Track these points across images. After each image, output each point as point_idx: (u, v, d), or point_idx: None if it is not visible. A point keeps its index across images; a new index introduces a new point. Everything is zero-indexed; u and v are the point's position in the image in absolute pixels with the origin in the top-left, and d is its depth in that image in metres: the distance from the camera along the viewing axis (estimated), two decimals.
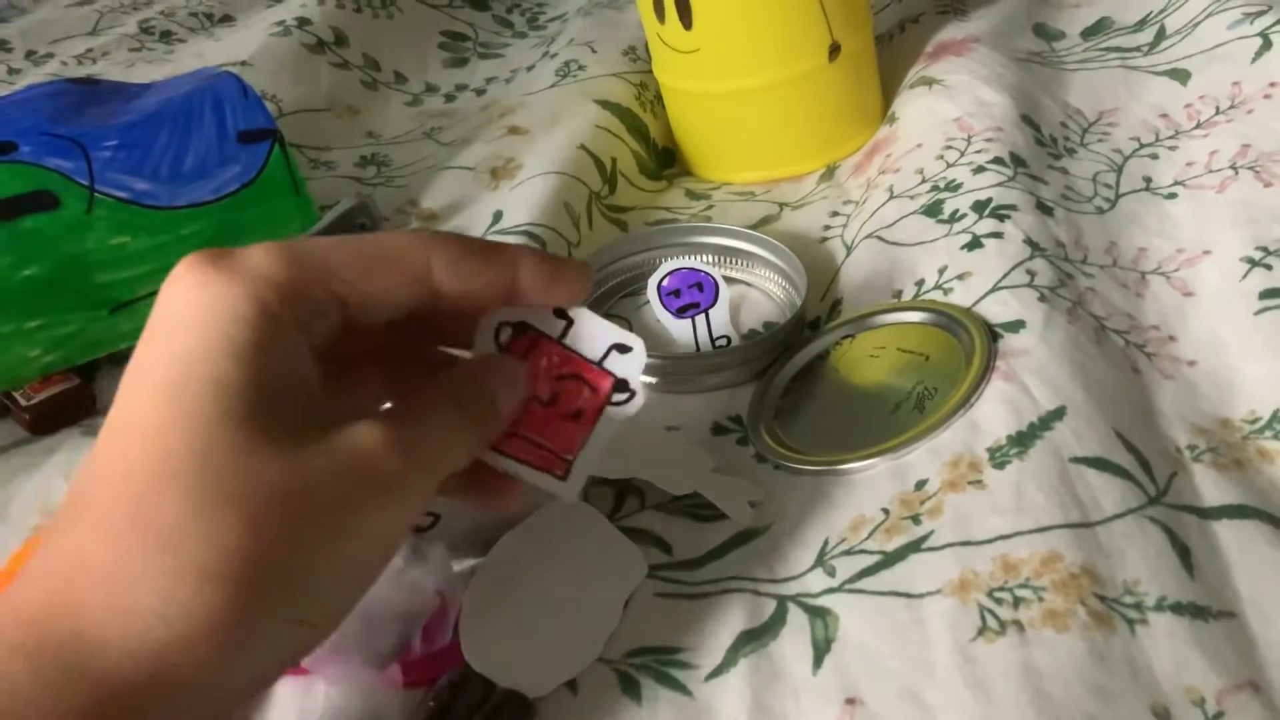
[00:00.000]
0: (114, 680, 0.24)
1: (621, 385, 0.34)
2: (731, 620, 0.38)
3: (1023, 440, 0.40)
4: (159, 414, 0.25)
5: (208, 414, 0.25)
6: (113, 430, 0.26)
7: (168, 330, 0.27)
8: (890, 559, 0.38)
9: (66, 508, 0.26)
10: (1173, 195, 0.56)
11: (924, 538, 0.38)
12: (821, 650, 0.36)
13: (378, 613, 0.38)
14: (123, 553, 0.24)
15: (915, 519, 0.39)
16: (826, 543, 0.40)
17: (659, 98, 0.75)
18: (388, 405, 0.34)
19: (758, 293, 0.58)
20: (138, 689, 0.24)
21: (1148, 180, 0.58)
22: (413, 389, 0.31)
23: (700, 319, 0.55)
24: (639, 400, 0.34)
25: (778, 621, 0.37)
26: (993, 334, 0.45)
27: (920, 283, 0.51)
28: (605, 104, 0.73)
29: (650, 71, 0.75)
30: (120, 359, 0.56)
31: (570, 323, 0.34)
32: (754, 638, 0.37)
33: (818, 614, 0.37)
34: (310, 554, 0.26)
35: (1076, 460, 0.38)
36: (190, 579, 0.24)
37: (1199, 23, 0.68)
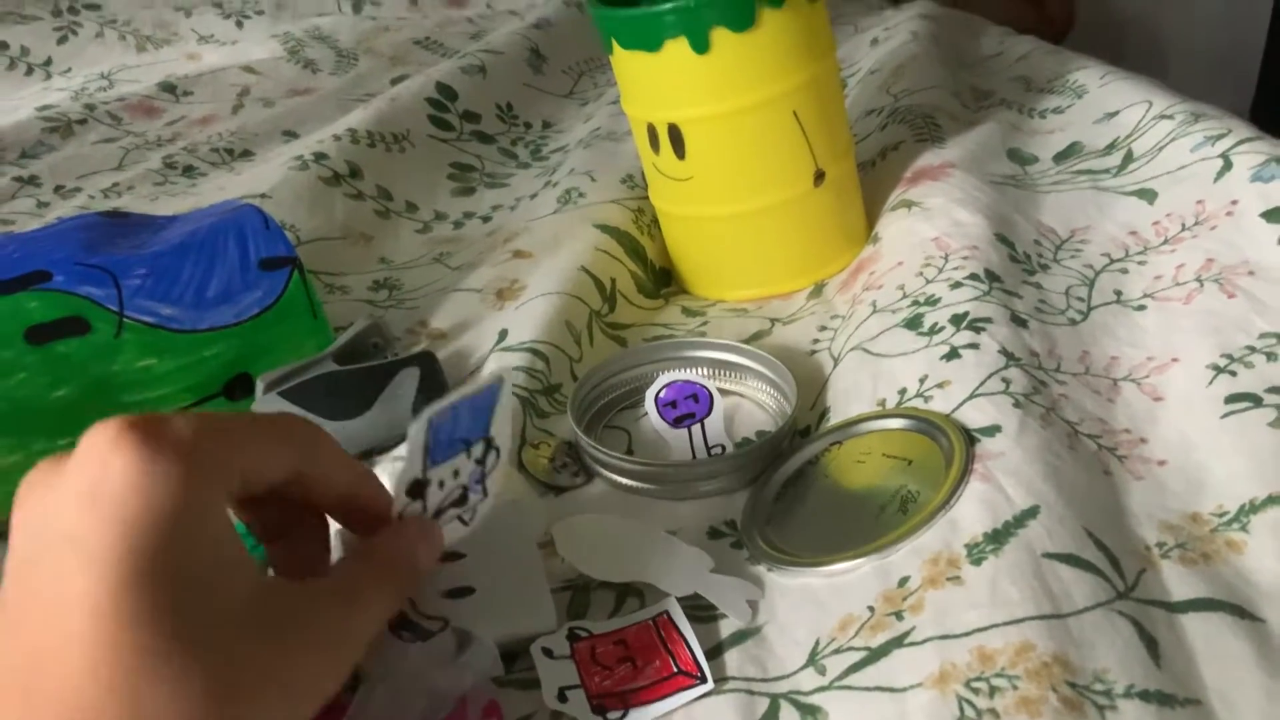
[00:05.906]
0: None
1: None
2: None
3: (998, 537, 0.42)
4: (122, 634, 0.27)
5: (186, 630, 0.28)
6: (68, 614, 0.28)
7: (119, 512, 0.29)
8: (875, 655, 0.39)
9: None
10: (1142, 307, 0.59)
11: (906, 633, 0.39)
12: None
13: (411, 682, 0.38)
14: None
15: (898, 615, 0.41)
16: (818, 643, 0.42)
17: (655, 222, 0.78)
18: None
19: (750, 403, 0.61)
20: None
21: (1118, 293, 0.61)
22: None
23: (696, 429, 0.57)
24: None
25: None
26: (970, 438, 0.48)
27: (903, 391, 0.53)
28: (604, 228, 0.76)
29: (647, 197, 0.78)
30: None
31: None
32: None
33: (809, 711, 0.39)
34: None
35: (1049, 556, 0.40)
36: None
37: (1164, 146, 0.71)
